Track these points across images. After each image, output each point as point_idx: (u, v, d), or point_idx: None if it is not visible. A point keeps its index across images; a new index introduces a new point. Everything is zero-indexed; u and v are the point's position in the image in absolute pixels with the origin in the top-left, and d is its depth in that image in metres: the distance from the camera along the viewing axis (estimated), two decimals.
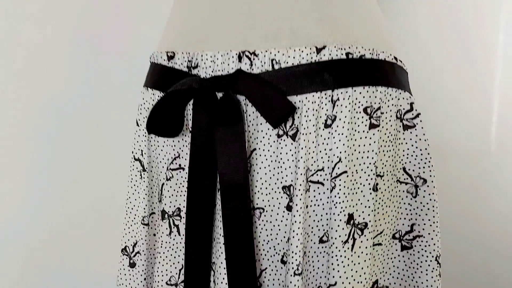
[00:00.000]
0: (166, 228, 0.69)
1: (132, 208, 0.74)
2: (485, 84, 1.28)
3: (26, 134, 1.08)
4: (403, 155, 0.65)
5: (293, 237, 0.59)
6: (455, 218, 1.31)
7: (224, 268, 0.63)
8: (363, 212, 0.60)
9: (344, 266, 0.58)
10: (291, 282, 0.59)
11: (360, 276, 0.59)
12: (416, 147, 0.64)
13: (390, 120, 0.63)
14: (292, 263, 0.59)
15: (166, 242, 0.69)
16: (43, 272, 1.11)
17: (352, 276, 0.59)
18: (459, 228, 1.32)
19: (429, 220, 0.64)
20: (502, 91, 1.26)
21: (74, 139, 1.11)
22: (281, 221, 0.63)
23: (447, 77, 1.28)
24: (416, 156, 0.64)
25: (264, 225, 0.63)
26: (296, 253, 0.59)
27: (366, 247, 0.60)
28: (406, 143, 0.64)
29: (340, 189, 0.59)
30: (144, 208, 0.73)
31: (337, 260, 0.58)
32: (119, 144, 1.05)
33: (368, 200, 0.60)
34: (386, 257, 0.67)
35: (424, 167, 0.64)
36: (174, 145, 0.68)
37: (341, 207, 0.59)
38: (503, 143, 1.28)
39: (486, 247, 1.34)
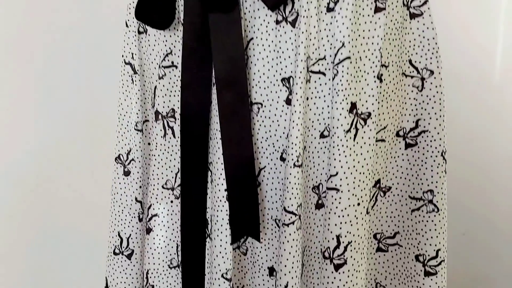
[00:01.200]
0: (161, 130, 0.66)
1: (124, 115, 0.71)
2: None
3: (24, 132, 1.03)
4: (409, 46, 0.61)
5: (293, 128, 0.56)
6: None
7: (222, 169, 0.60)
8: (366, 101, 0.57)
9: (346, 156, 0.56)
10: (290, 174, 0.56)
11: (362, 167, 0.57)
12: (423, 37, 0.60)
13: (396, 6, 0.59)
14: (292, 154, 0.56)
15: (161, 145, 0.66)
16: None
17: (354, 166, 0.56)
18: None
19: (435, 113, 0.61)
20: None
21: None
22: (280, 116, 0.60)
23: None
24: (423, 46, 0.60)
25: (263, 121, 0.60)
26: (296, 144, 0.56)
27: (369, 138, 0.57)
28: (413, 33, 0.60)
29: (342, 76, 0.55)
30: (137, 113, 0.70)
31: (338, 150, 0.56)
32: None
33: (372, 89, 0.57)
34: (389, 156, 0.64)
35: (431, 58, 0.60)
36: (166, 40, 0.64)
37: (344, 95, 0.55)
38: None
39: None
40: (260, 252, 0.66)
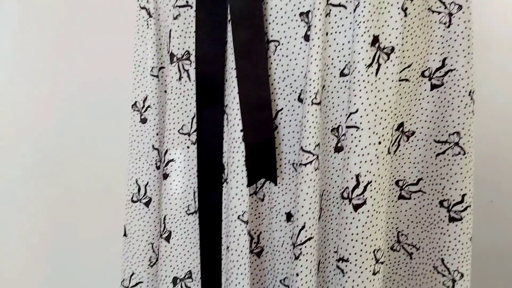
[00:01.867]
0: (176, 73, 0.64)
1: (140, 62, 0.70)
2: None
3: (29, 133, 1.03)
4: None
5: (311, 63, 0.54)
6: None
7: (238, 109, 0.59)
8: (390, 34, 0.54)
9: (367, 92, 0.53)
10: (308, 112, 0.54)
11: (384, 104, 0.54)
12: None
13: None
14: (309, 91, 0.54)
15: (176, 88, 0.65)
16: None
17: (375, 103, 0.54)
18: None
19: (463, 51, 0.58)
20: None
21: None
22: (298, 53, 0.57)
23: None
24: None
25: (280, 60, 0.58)
26: (314, 81, 0.54)
27: (392, 74, 0.54)
28: None
29: (364, 7, 0.52)
30: (153, 58, 0.69)
31: (359, 85, 0.53)
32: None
33: (396, 21, 0.54)
34: (414, 98, 0.61)
35: None
36: None
37: (365, 27, 0.52)
38: None
39: None
40: (277, 197, 0.65)
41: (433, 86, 0.60)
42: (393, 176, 0.64)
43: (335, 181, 0.61)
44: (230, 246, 0.61)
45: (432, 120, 0.61)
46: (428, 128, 0.62)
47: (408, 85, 0.59)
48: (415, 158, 0.63)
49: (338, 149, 0.60)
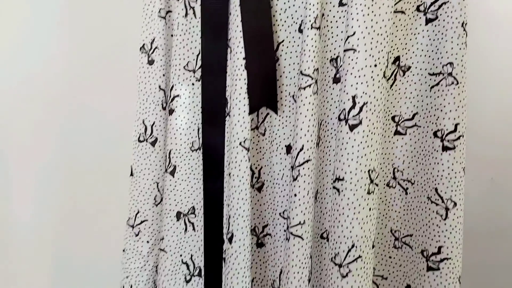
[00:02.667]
0: (182, 9, 0.67)
1: (148, 4, 0.73)
2: None
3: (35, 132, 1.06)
4: None
5: None
6: None
7: (241, 37, 0.61)
8: None
9: (364, 16, 0.56)
10: (307, 36, 0.57)
11: (380, 28, 0.57)
12: None
13: None
14: (309, 16, 0.57)
15: (182, 25, 0.68)
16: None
17: (372, 26, 0.56)
18: None
19: None
20: None
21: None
22: None
23: None
24: None
25: None
26: (313, 5, 0.57)
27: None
28: None
29: None
30: (161, 0, 0.72)
31: (356, 9, 0.56)
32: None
33: None
34: (409, 32, 0.64)
35: None
36: None
37: None
38: None
39: None
40: (277, 130, 0.67)
41: (428, 21, 0.63)
42: (390, 111, 0.67)
43: (333, 112, 0.64)
44: (232, 172, 0.64)
45: (427, 54, 0.64)
46: (423, 62, 0.64)
47: (404, 18, 0.62)
48: (411, 93, 0.66)
49: (336, 80, 0.63)
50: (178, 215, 0.72)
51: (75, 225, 1.09)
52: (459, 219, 0.64)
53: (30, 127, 1.03)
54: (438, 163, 0.63)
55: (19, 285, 1.10)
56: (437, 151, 0.63)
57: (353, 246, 0.58)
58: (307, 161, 0.59)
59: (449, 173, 0.63)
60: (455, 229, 0.63)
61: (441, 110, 0.63)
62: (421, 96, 0.65)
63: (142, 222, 0.77)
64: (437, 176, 0.63)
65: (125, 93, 0.91)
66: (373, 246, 0.61)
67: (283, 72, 0.64)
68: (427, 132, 0.65)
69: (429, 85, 0.64)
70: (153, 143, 0.76)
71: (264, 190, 0.71)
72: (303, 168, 0.59)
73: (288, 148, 0.67)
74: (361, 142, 0.57)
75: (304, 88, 0.58)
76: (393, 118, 0.67)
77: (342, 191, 0.58)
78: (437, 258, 0.64)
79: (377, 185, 0.60)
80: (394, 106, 0.66)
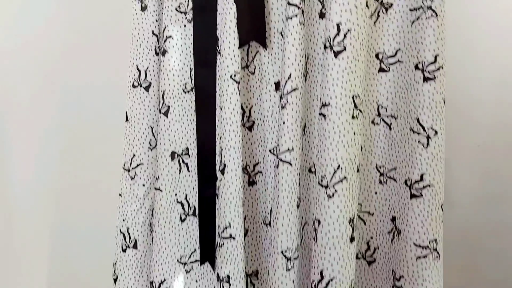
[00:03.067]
0: None
1: None
2: None
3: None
4: None
5: None
6: None
7: None
8: None
9: None
10: None
11: None
12: None
13: None
14: None
15: None
16: None
17: None
18: None
19: None
20: None
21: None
22: None
23: None
24: None
25: None
26: None
27: None
28: None
29: None
30: None
31: None
32: None
33: None
34: None
35: None
36: None
37: None
38: None
39: None
40: (267, 68, 0.70)
41: None
42: (373, 49, 0.70)
43: (320, 47, 0.67)
44: (223, 105, 0.67)
45: None
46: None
47: None
48: (393, 30, 0.69)
49: (322, 15, 0.66)
50: (173, 155, 0.75)
51: (75, 187, 1.11)
52: (440, 147, 0.67)
53: (30, 91, 1.05)
54: (419, 94, 0.66)
55: (18, 246, 1.12)
56: (418, 82, 0.66)
57: (338, 167, 0.61)
58: (294, 89, 0.62)
59: (430, 103, 0.66)
60: (437, 157, 0.67)
61: (422, 43, 0.66)
62: (403, 32, 0.68)
63: (137, 165, 0.79)
64: (419, 106, 0.66)
65: (125, 57, 0.93)
66: (358, 170, 0.64)
67: (271, 9, 0.67)
68: (409, 66, 0.68)
69: (410, 21, 0.67)
70: (147, 88, 0.78)
71: (254, 128, 0.74)
72: (291, 96, 0.62)
73: (277, 85, 0.70)
74: (345, 68, 0.60)
75: (291, 18, 0.61)
76: (377, 55, 0.70)
77: (327, 116, 0.61)
78: (420, 185, 0.67)
79: (361, 111, 0.63)
80: (377, 44, 0.69)
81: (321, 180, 0.63)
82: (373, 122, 0.73)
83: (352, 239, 0.63)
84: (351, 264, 0.63)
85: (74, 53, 1.04)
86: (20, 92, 1.05)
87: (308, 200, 0.71)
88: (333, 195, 0.62)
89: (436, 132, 0.66)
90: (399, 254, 0.71)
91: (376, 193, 0.75)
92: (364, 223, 0.77)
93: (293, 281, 0.66)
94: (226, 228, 0.68)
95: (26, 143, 1.08)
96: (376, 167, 0.75)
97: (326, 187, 0.62)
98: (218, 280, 0.70)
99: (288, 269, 0.65)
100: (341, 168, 0.61)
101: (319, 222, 0.63)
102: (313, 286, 0.64)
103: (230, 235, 0.68)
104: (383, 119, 0.73)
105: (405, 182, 0.69)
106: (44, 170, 1.09)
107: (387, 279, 0.76)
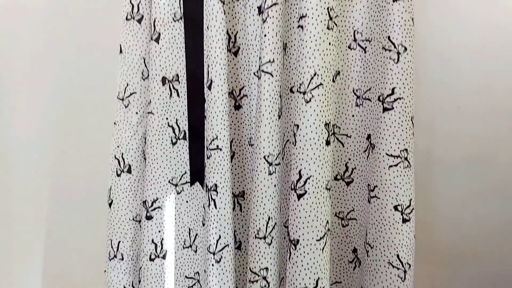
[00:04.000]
0: None
1: None
2: None
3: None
4: None
5: None
6: None
7: None
8: None
9: None
10: None
11: None
12: None
13: None
14: None
15: None
16: None
17: None
18: None
19: None
20: None
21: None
22: None
23: None
24: None
25: None
26: None
27: None
28: None
29: None
30: None
31: None
32: None
33: None
34: None
35: None
36: None
37: None
38: None
39: None
40: None
41: None
42: None
43: None
44: (209, 24, 0.72)
45: None
46: None
47: None
48: None
49: None
50: (164, 80, 0.80)
51: (73, 144, 1.16)
52: (409, 63, 0.73)
53: (30, 52, 1.09)
54: (390, 14, 0.72)
55: (19, 201, 1.16)
56: (389, 3, 0.72)
57: (315, 74, 0.67)
58: (274, 4, 0.68)
59: (399, 21, 0.72)
60: (406, 72, 0.72)
61: None
62: None
63: (131, 94, 0.85)
64: (390, 25, 0.72)
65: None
66: (333, 80, 0.70)
67: None
68: None
69: None
70: (139, 21, 0.83)
71: (239, 53, 0.79)
72: (271, 10, 0.68)
73: (260, 9, 0.76)
74: None
75: None
76: None
77: (305, 26, 0.67)
78: (391, 98, 0.73)
79: (336, 24, 0.69)
80: None
81: (299, 87, 0.68)
82: (349, 47, 0.79)
83: (328, 143, 0.69)
84: (327, 166, 0.69)
85: (75, 16, 1.08)
86: (20, 52, 1.09)
87: (289, 119, 0.76)
88: (310, 100, 0.67)
89: (405, 48, 0.72)
90: (373, 166, 0.77)
91: (353, 115, 0.81)
92: (343, 145, 0.82)
93: (275, 185, 0.72)
94: (213, 139, 0.73)
95: (27, 103, 1.12)
96: (353, 91, 0.80)
97: (304, 93, 0.68)
98: (206, 190, 0.75)
99: (270, 173, 0.71)
100: (317, 75, 0.67)
101: (297, 126, 0.69)
102: (292, 186, 0.70)
103: (217, 146, 0.73)
104: (358, 44, 0.79)
105: (378, 98, 0.75)
106: (44, 128, 1.14)
107: (364, 194, 0.82)
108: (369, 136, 0.79)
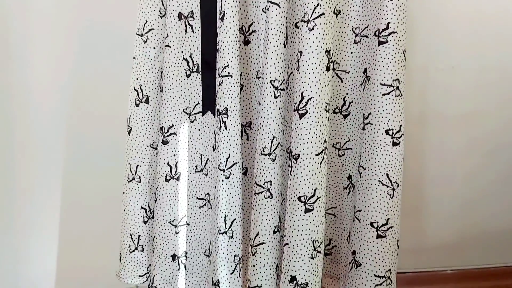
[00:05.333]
0: None
1: None
2: None
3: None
4: None
5: None
6: None
7: None
8: None
9: None
10: None
11: None
12: None
13: None
14: None
15: None
16: None
17: None
18: None
19: None
20: None
21: None
22: None
23: None
24: None
25: None
26: None
27: None
28: None
29: None
30: None
31: None
32: None
33: None
34: None
35: None
36: None
37: None
38: None
39: None
40: None
41: None
42: None
43: None
44: None
45: None
46: None
47: None
48: None
49: None
50: (180, 15, 0.88)
51: (90, 93, 1.23)
52: (403, 0, 0.80)
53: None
54: None
55: (36, 149, 1.24)
56: None
57: (318, 5, 0.75)
58: None
59: None
60: (400, 8, 0.80)
61: None
62: None
63: (149, 30, 0.93)
64: None
65: None
66: (334, 13, 0.78)
67: None
68: None
69: None
70: None
71: None
72: None
73: None
74: None
75: None
76: None
77: None
78: (386, 33, 0.81)
79: None
80: None
81: (303, 17, 0.76)
82: None
83: (327, 68, 0.77)
84: (326, 89, 0.78)
85: None
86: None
87: (294, 48, 0.84)
88: (313, 28, 0.76)
89: None
90: (368, 96, 0.85)
91: (351, 52, 0.89)
92: (341, 81, 0.91)
93: (279, 108, 0.80)
94: (225, 67, 0.82)
95: (45, 47, 1.20)
96: (352, 29, 0.88)
97: (307, 22, 0.76)
98: (217, 114, 0.84)
99: (275, 97, 0.80)
100: (320, 5, 0.75)
101: (301, 53, 0.77)
102: (295, 107, 0.79)
103: (228, 73, 0.82)
104: None
105: (375, 34, 0.83)
106: (61, 75, 1.21)
107: (359, 125, 0.90)
108: (365, 70, 0.87)
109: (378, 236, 0.85)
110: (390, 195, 0.84)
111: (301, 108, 0.78)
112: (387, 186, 0.84)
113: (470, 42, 1.54)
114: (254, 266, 0.83)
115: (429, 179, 1.59)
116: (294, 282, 0.79)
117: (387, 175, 0.83)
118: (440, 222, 1.62)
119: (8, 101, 1.19)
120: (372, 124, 0.84)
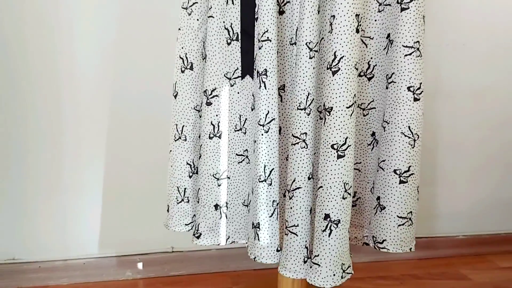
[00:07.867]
0: None
1: None
2: None
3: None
4: None
5: None
6: None
7: None
8: None
9: None
10: None
11: None
12: None
13: None
14: None
15: None
16: None
17: None
18: None
19: None
20: None
21: None
22: None
23: None
24: None
25: None
26: None
27: None
28: None
29: None
30: None
31: None
32: None
33: None
34: None
35: None
36: None
37: None
38: None
39: None
40: None
41: None
42: None
43: None
44: None
45: None
46: None
47: None
48: None
49: None
50: None
51: (135, 61, 1.36)
52: None
53: None
54: None
55: (82, 111, 1.37)
56: None
57: None
58: None
59: None
60: None
61: None
62: None
63: (193, 4, 1.03)
64: None
65: None
66: None
67: None
68: None
69: None
70: None
71: None
72: None
73: None
74: None
75: None
76: None
77: None
78: (408, 0, 0.92)
79: None
80: None
81: None
82: None
83: (357, 30, 0.88)
84: (356, 49, 0.88)
85: None
86: None
87: (326, 13, 0.95)
88: None
89: None
90: (391, 58, 0.96)
91: (375, 20, 1.00)
92: (366, 46, 1.01)
93: (314, 68, 0.91)
94: (264, 33, 0.92)
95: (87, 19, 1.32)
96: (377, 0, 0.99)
97: None
98: (257, 76, 0.95)
99: (310, 57, 0.90)
100: None
101: (333, 17, 0.88)
102: (328, 65, 0.89)
103: (267, 38, 0.92)
104: None
105: (397, 1, 0.94)
106: (104, 45, 1.34)
107: (383, 85, 1.01)
108: (388, 35, 0.98)
109: (401, 182, 0.95)
110: (411, 145, 0.94)
111: (334, 66, 0.88)
112: (409, 137, 0.94)
113: (481, 21, 1.63)
114: (291, 208, 0.94)
115: (441, 149, 1.69)
116: (328, 219, 0.90)
117: (409, 127, 0.94)
118: (452, 190, 1.72)
119: (56, 70, 1.32)
120: (395, 82, 0.95)
